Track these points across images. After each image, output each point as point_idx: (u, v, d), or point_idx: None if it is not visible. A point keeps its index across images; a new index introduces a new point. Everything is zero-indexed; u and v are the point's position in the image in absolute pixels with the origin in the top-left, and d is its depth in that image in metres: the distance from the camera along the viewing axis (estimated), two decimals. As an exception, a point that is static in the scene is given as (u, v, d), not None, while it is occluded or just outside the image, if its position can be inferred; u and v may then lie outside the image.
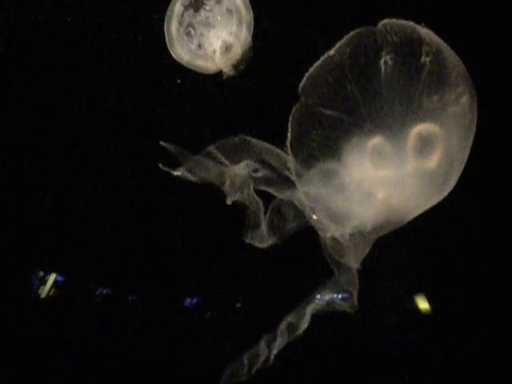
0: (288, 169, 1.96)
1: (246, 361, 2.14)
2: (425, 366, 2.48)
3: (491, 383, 2.45)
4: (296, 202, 1.98)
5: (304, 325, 2.07)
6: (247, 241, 2.02)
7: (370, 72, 1.89)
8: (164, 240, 2.61)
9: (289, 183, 1.99)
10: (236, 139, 2.00)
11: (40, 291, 2.72)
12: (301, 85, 1.92)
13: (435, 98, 1.87)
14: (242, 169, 1.99)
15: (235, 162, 2.00)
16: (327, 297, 2.04)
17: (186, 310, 2.65)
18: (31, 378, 2.63)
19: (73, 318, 2.68)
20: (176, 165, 2.06)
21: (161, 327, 2.62)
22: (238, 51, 2.15)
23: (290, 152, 1.94)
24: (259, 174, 2.00)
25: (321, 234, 1.98)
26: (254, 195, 2.02)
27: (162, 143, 2.04)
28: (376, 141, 1.89)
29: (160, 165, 2.02)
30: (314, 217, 1.94)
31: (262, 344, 2.14)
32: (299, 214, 2.00)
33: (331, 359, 2.46)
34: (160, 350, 2.60)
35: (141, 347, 2.61)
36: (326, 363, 2.46)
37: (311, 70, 1.92)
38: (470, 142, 1.88)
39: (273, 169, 2.00)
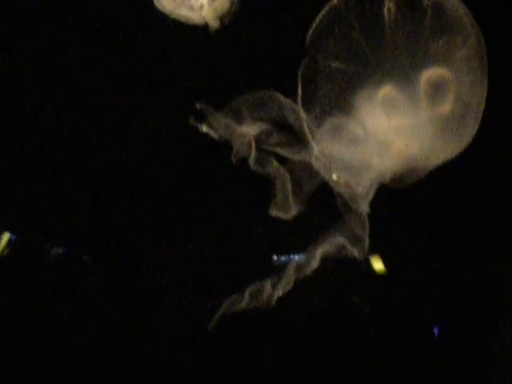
0: (304, 128, 1.92)
1: (247, 294, 2.13)
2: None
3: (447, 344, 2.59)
4: (313, 163, 1.96)
5: (312, 266, 2.09)
6: (273, 214, 2.00)
7: (375, 20, 1.87)
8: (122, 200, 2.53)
9: (304, 144, 1.96)
10: (261, 93, 1.94)
11: None
12: (308, 38, 1.87)
13: (442, 41, 1.87)
14: (254, 129, 1.93)
15: (254, 119, 1.93)
16: (338, 241, 2.08)
17: (144, 269, 2.62)
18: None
19: (26, 278, 2.61)
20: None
21: (115, 287, 2.59)
22: (225, 2, 2.02)
23: (301, 109, 1.91)
24: (274, 138, 1.95)
25: (333, 183, 1.99)
26: (279, 166, 1.98)
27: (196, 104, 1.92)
28: (387, 90, 1.89)
29: (191, 119, 1.91)
30: (334, 176, 1.94)
31: (268, 282, 2.14)
32: (315, 174, 1.99)
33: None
34: (115, 310, 2.58)
35: (96, 308, 2.58)
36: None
37: (316, 22, 1.86)
38: (483, 87, 1.92)
39: (289, 131, 1.96)
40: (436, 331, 2.56)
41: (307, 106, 1.92)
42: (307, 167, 1.99)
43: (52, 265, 2.63)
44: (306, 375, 2.53)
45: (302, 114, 1.91)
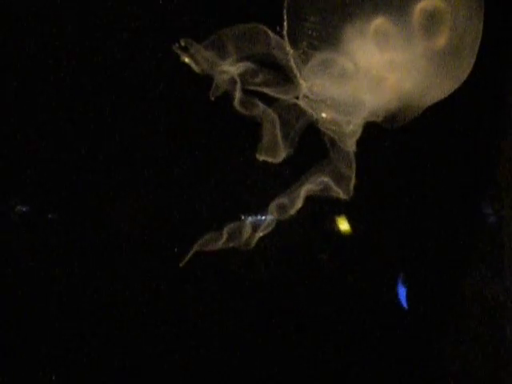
0: (291, 65, 1.80)
1: (225, 233, 2.03)
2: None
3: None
4: (300, 101, 1.84)
5: (296, 206, 1.99)
6: (261, 158, 1.89)
7: None
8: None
9: (291, 82, 1.85)
10: (248, 26, 1.82)
11: None
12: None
13: (436, -30, 1.77)
14: (239, 66, 1.81)
15: (239, 55, 1.81)
16: (323, 180, 1.97)
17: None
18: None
19: None
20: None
21: (82, 246, 2.49)
22: None
23: (288, 44, 1.79)
24: (259, 76, 1.83)
25: (321, 121, 1.88)
26: (265, 107, 1.86)
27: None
28: (379, 22, 1.78)
29: (174, 46, 1.79)
30: (323, 115, 1.83)
31: (248, 221, 2.04)
32: (303, 114, 1.88)
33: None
34: (83, 269, 2.49)
35: (61, 266, 2.48)
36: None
37: None
38: (479, 21, 1.82)
39: (275, 68, 1.84)
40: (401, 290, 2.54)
41: (294, 40, 1.80)
42: (295, 107, 1.88)
43: (16, 223, 2.52)
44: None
45: (289, 50, 1.79)
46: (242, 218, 2.19)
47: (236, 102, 1.87)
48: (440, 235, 2.47)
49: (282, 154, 1.89)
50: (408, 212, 2.46)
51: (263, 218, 2.09)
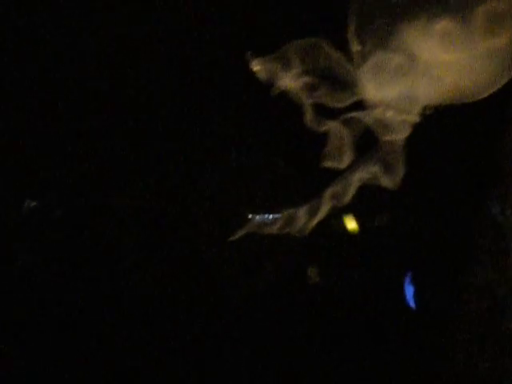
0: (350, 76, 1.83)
1: (280, 220, 2.09)
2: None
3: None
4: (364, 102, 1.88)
5: (349, 194, 2.06)
6: (327, 165, 1.93)
7: None
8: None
9: (352, 91, 1.88)
10: (312, 40, 1.85)
11: None
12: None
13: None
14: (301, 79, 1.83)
15: (302, 68, 1.82)
16: (373, 169, 2.04)
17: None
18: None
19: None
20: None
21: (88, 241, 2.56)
22: None
23: (353, 42, 1.81)
24: (320, 89, 1.85)
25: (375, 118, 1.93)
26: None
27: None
28: (444, 23, 1.80)
29: (247, 54, 1.83)
30: (387, 114, 1.87)
31: (303, 209, 2.10)
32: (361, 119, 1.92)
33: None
34: (92, 261, 2.58)
35: (70, 260, 2.57)
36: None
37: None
38: None
39: (334, 81, 1.86)
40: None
41: (358, 38, 1.81)
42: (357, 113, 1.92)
43: (25, 218, 2.58)
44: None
45: (355, 48, 1.81)
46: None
47: (307, 117, 1.91)
48: (446, 234, 2.57)
49: (346, 159, 1.94)
50: (415, 211, 2.54)
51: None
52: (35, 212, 2.57)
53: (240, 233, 2.12)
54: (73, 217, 2.56)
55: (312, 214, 2.05)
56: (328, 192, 2.03)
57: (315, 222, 2.05)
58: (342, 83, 1.88)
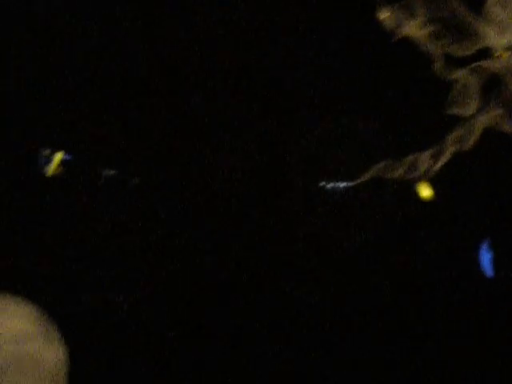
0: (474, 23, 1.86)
1: (401, 169, 2.06)
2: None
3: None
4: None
5: (472, 138, 2.00)
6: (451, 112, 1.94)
7: None
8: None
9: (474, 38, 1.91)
10: None
11: (46, 169, 2.65)
12: None
13: None
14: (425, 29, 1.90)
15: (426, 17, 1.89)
16: (496, 113, 2.00)
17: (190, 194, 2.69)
18: (35, 254, 2.61)
19: (77, 198, 2.66)
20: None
21: (162, 211, 2.65)
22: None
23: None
24: (443, 38, 1.90)
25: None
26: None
27: None
28: None
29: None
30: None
31: (425, 155, 2.06)
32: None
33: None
34: (161, 232, 2.64)
35: (143, 230, 2.64)
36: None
37: None
38: None
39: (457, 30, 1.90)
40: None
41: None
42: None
43: (103, 186, 2.67)
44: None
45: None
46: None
47: (436, 66, 1.95)
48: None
49: (472, 106, 1.96)
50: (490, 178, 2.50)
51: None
52: (113, 180, 2.72)
53: (364, 177, 2.15)
54: (150, 185, 2.65)
55: (436, 157, 2.04)
56: (452, 136, 2.02)
57: (439, 166, 2.05)
58: (466, 31, 1.89)
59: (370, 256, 2.57)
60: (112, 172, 2.68)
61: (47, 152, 2.66)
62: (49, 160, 2.65)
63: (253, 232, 2.55)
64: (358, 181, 2.14)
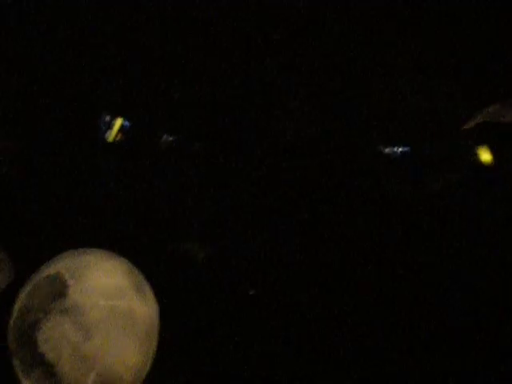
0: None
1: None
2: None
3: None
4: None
5: None
6: None
7: None
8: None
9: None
10: None
11: (107, 135, 2.71)
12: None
13: None
14: None
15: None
16: None
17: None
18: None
19: (137, 163, 2.71)
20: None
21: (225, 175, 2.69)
22: None
23: None
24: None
25: None
26: None
27: None
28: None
29: None
30: None
31: None
32: None
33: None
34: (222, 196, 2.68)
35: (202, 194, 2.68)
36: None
37: None
38: None
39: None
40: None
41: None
42: None
43: (163, 152, 2.71)
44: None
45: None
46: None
47: None
48: None
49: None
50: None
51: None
52: (173, 145, 2.76)
53: (471, 124, 2.12)
54: (209, 150, 2.68)
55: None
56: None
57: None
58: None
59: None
60: (172, 137, 2.73)
61: (108, 118, 2.71)
62: (109, 126, 2.71)
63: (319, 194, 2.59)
64: (465, 127, 2.12)
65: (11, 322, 1.50)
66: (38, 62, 2.59)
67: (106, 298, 1.47)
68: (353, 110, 2.54)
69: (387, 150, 2.54)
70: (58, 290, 1.47)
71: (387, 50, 2.49)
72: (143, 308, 1.50)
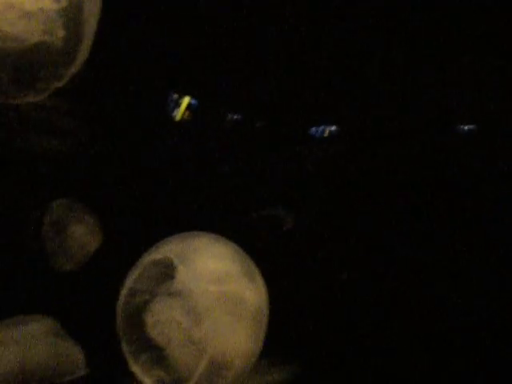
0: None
1: None
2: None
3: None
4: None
5: None
6: None
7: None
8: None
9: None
10: None
11: (174, 113, 2.70)
12: None
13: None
14: None
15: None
16: None
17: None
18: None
19: (203, 141, 2.71)
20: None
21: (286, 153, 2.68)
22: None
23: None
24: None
25: None
26: None
27: None
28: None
29: None
30: None
31: None
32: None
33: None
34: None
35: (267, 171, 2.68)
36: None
37: None
38: None
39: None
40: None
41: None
42: None
43: (227, 130, 2.71)
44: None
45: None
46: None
47: None
48: None
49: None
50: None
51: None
52: (236, 125, 2.77)
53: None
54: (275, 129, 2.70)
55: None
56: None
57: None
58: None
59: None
60: (237, 116, 2.72)
61: (175, 97, 2.70)
62: (177, 104, 2.70)
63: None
64: None
65: (119, 305, 1.49)
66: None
67: (215, 283, 1.45)
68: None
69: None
70: (167, 273, 1.46)
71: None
72: (252, 294, 1.49)
